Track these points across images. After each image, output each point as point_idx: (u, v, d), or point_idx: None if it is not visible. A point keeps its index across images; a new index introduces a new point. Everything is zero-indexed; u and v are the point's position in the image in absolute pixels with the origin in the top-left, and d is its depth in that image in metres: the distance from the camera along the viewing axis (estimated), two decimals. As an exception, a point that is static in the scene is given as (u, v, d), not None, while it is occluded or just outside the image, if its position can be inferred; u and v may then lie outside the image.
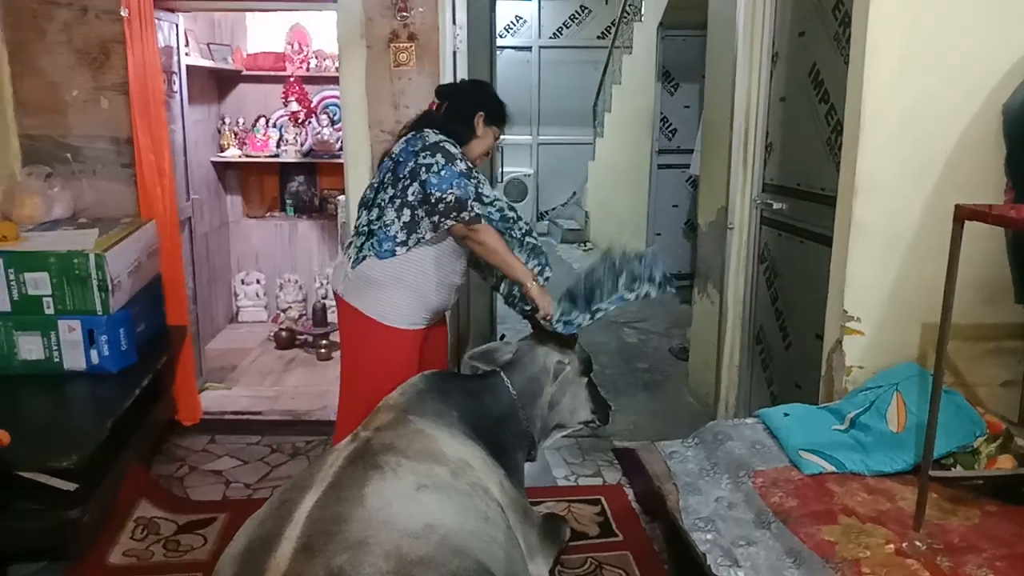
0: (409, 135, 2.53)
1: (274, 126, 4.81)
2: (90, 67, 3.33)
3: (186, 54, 3.87)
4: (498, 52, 5.08)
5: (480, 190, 2.48)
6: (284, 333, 4.56)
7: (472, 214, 2.40)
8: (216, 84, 4.77)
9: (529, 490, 2.48)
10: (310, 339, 4.51)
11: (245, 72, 4.76)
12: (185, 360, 3.45)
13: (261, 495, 2.94)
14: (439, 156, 2.40)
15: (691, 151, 6.13)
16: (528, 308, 2.60)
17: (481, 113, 2.57)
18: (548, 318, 2.49)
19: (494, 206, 2.55)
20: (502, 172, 8.63)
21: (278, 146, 4.74)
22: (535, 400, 2.47)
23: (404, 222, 2.43)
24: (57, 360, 2.88)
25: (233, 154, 4.71)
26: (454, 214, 2.38)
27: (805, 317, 2.95)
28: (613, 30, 8.30)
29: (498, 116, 2.64)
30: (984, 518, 2.05)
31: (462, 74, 3.29)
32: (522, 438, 2.43)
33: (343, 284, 2.55)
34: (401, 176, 2.43)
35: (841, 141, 2.58)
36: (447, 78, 3.28)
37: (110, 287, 2.86)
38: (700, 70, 4.14)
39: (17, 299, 2.83)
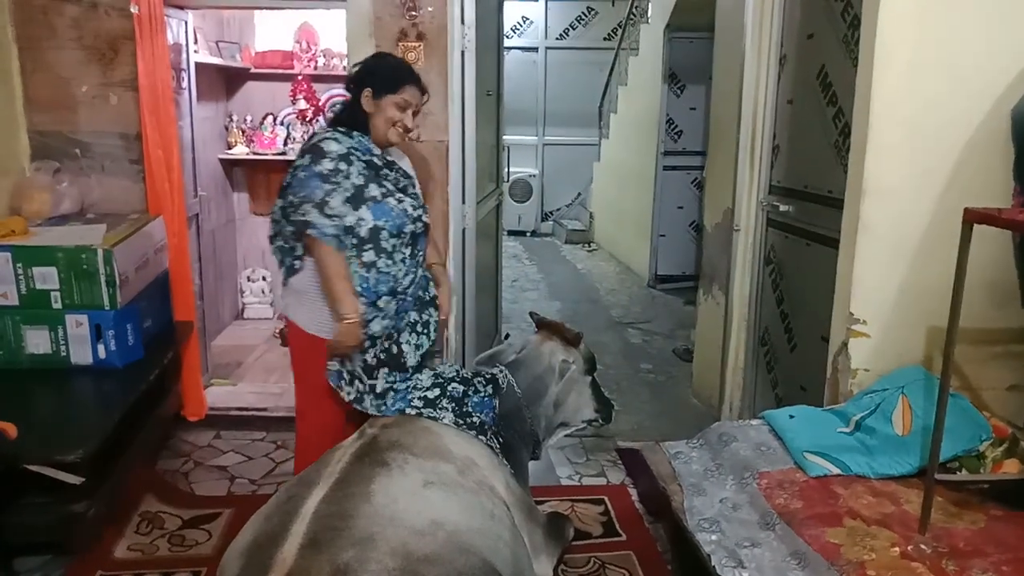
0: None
1: (281, 124, 4.82)
2: (99, 63, 3.34)
3: (195, 51, 3.88)
4: (505, 53, 5.09)
5: (329, 199, 2.19)
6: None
7: (303, 219, 2.19)
8: (224, 82, 4.78)
9: (533, 489, 2.48)
10: (315, 337, 4.51)
11: (253, 70, 4.76)
12: (191, 356, 3.46)
13: (266, 491, 2.95)
14: (307, 156, 2.24)
15: (697, 153, 6.14)
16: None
17: (367, 91, 2.32)
18: (337, 355, 2.27)
19: (333, 221, 2.19)
20: (508, 172, 8.66)
21: (285, 144, 4.75)
22: (540, 399, 2.48)
23: (290, 231, 2.29)
24: (64, 354, 2.88)
25: (240, 151, 4.71)
26: (292, 216, 2.22)
27: (811, 319, 2.95)
28: (620, 31, 8.31)
29: (387, 82, 2.32)
30: (990, 522, 2.05)
31: (470, 74, 3.30)
32: (527, 436, 2.43)
33: (282, 300, 2.43)
34: (283, 184, 2.30)
35: (849, 144, 2.58)
36: (455, 78, 3.29)
37: (118, 282, 2.86)
38: (707, 72, 4.14)
39: (25, 293, 2.83)
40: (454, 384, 2.32)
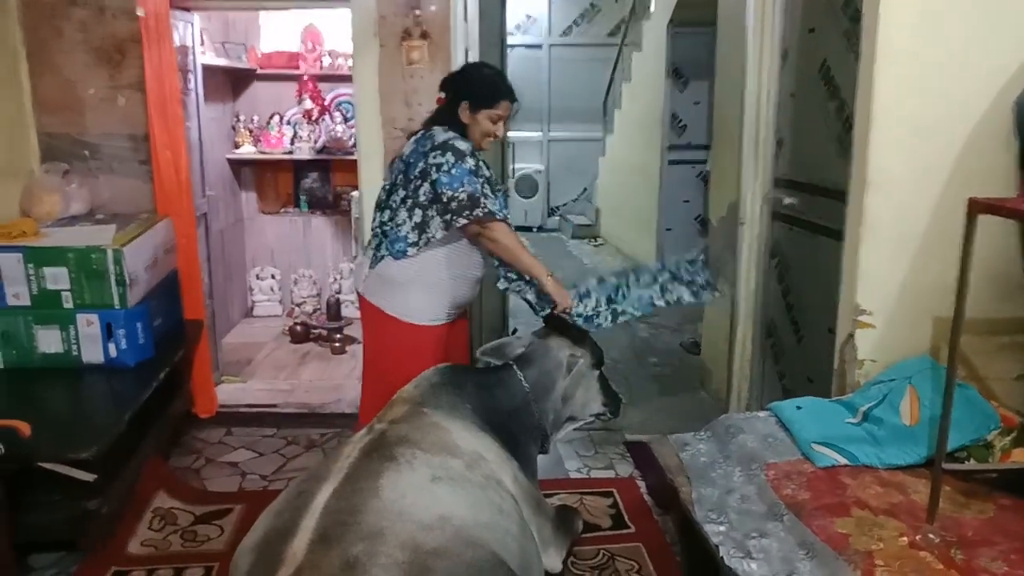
0: (419, 135, 2.55)
1: (288, 123, 4.85)
2: (107, 66, 3.37)
3: (201, 53, 3.91)
4: (509, 50, 5.10)
5: (487, 190, 2.44)
6: (299, 327, 4.60)
7: (484, 211, 2.40)
8: (231, 82, 4.81)
9: (542, 483, 2.50)
10: (324, 333, 4.55)
11: (259, 71, 4.80)
12: (201, 354, 3.49)
13: (277, 486, 2.98)
14: (449, 155, 2.40)
15: (701, 147, 6.13)
16: (537, 302, 2.60)
17: (464, 103, 2.51)
18: (568, 311, 2.52)
19: (499, 204, 2.50)
20: (513, 168, 8.66)
21: (292, 143, 4.78)
22: (548, 393, 2.49)
23: (415, 223, 2.46)
24: (76, 353, 2.92)
25: (248, 151, 4.75)
26: (467, 212, 2.39)
27: (817, 311, 2.96)
28: (623, 28, 8.30)
29: (484, 98, 2.52)
30: (998, 512, 2.05)
31: (474, 71, 3.30)
32: (535, 431, 2.45)
33: (364, 284, 2.59)
34: (412, 177, 2.45)
35: (851, 137, 2.58)
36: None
37: (127, 282, 2.89)
38: (710, 66, 4.14)
39: (36, 293, 2.87)
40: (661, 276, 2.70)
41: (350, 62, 3.68)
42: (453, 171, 2.38)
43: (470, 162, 2.41)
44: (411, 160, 2.48)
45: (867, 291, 2.55)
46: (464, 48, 3.29)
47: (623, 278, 2.67)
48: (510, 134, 4.93)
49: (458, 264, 2.55)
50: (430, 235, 2.45)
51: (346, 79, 4.49)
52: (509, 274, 2.62)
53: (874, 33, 2.40)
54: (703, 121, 6.14)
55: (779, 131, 3.29)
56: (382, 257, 2.52)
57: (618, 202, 8.16)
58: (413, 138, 2.57)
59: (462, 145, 2.43)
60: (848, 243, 2.59)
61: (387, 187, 2.57)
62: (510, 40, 6.97)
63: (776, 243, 3.34)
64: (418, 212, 2.45)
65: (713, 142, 4.02)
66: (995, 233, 2.43)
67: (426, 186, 2.42)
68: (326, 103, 4.83)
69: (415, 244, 2.47)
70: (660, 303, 2.56)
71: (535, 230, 9.21)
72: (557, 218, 9.44)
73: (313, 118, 4.78)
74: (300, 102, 4.78)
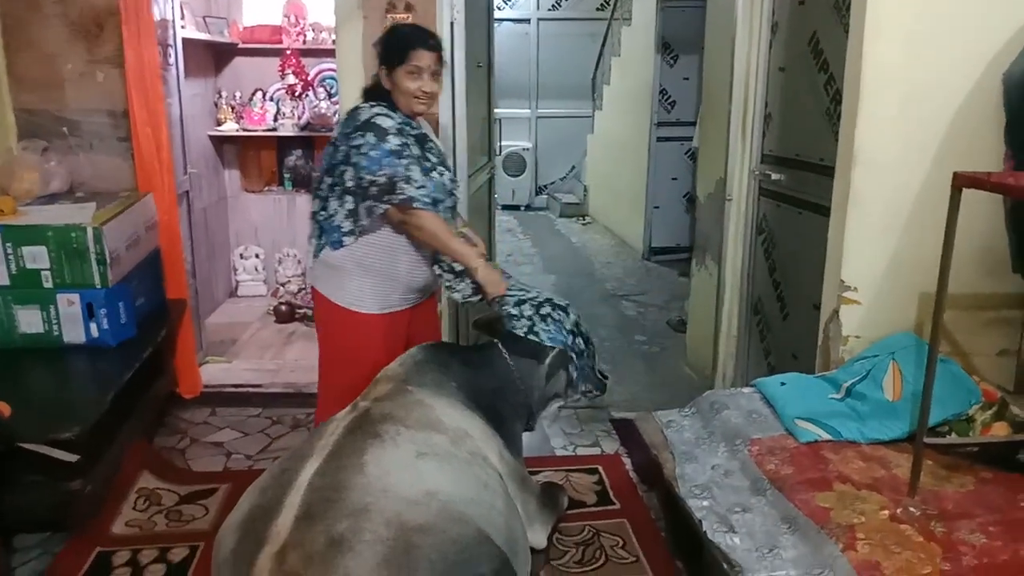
0: (346, 116, 2.40)
1: (271, 100, 4.78)
2: (85, 40, 3.30)
3: (182, 27, 3.84)
4: (496, 25, 5.04)
5: (410, 172, 2.25)
6: (283, 307, 4.57)
7: (403, 197, 2.24)
8: (212, 57, 4.74)
9: (528, 460, 2.50)
10: (309, 312, 4.52)
11: (241, 45, 4.72)
12: (185, 334, 3.47)
13: (262, 466, 2.97)
14: (370, 135, 2.25)
15: (691, 123, 6.11)
16: (466, 292, 2.42)
17: (382, 69, 2.34)
18: (498, 299, 2.36)
19: (426, 188, 2.28)
20: (500, 146, 8.61)
21: (275, 120, 4.72)
22: (533, 371, 2.48)
23: (348, 210, 2.32)
24: (57, 333, 2.89)
25: (230, 128, 4.68)
26: (386, 197, 2.24)
27: (803, 288, 2.96)
28: (612, 1, 8.22)
29: (394, 54, 2.31)
30: (979, 484, 2.07)
31: (460, 46, 3.26)
32: (520, 408, 2.44)
33: (311, 273, 2.48)
34: (336, 162, 2.31)
35: (840, 111, 2.57)
36: (445, 50, 3.24)
37: (108, 260, 2.86)
38: (700, 41, 4.11)
39: (15, 273, 2.83)
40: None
41: (334, 36, 3.62)
42: (372, 153, 2.23)
43: (393, 142, 2.24)
44: (338, 143, 2.33)
45: (853, 267, 2.55)
46: (450, 21, 3.24)
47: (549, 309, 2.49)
48: (497, 111, 4.91)
49: (407, 247, 2.39)
50: (362, 222, 2.32)
51: (330, 53, 4.43)
52: (442, 262, 2.42)
53: (863, 6, 2.38)
54: (692, 97, 6.11)
55: (767, 106, 3.28)
56: (322, 247, 2.39)
57: (607, 180, 8.13)
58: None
59: (386, 123, 2.27)
60: (834, 219, 2.59)
61: (320, 173, 2.42)
62: (497, 14, 6.91)
63: (763, 219, 3.34)
64: (348, 199, 2.31)
65: (701, 117, 4.00)
66: (981, 209, 2.44)
67: (350, 171, 2.28)
68: (309, 78, 4.77)
69: (350, 233, 2.33)
70: (570, 351, 2.43)
71: (523, 209, 9.18)
72: (545, 197, 9.41)
73: (296, 94, 4.72)
74: (283, 77, 4.72)
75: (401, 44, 2.32)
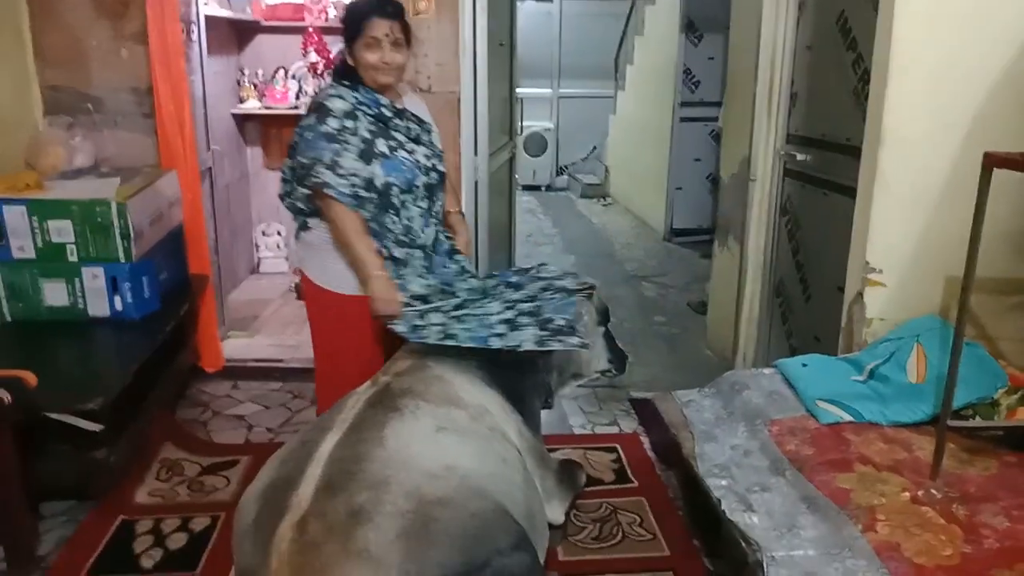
0: None
1: (293, 78, 4.77)
2: (109, 17, 3.32)
3: (204, 4, 3.83)
4: (519, 3, 5.00)
5: (339, 158, 2.17)
6: (305, 285, 4.60)
7: (316, 180, 2.17)
8: (235, 35, 4.74)
9: (546, 438, 2.50)
10: (330, 291, 4.54)
11: (264, 23, 4.71)
12: (207, 308, 3.50)
13: (283, 439, 2.99)
14: (313, 116, 2.21)
15: (715, 104, 6.04)
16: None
17: (343, 46, 2.28)
18: (386, 319, 2.20)
19: (348, 180, 2.18)
20: (522, 126, 8.56)
21: (297, 98, 4.71)
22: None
23: (303, 193, 2.29)
24: (82, 307, 2.92)
25: (253, 106, 4.68)
26: (304, 180, 2.21)
27: (827, 269, 2.93)
28: (636, -20, 8.13)
29: (350, 28, 2.24)
30: (1002, 468, 2.05)
31: (482, 23, 3.24)
32: (539, 387, 2.44)
33: (295, 254, 2.47)
34: (292, 144, 2.29)
35: (868, 91, 2.52)
36: (466, 28, 3.24)
37: (132, 235, 2.88)
38: (725, 20, 4.05)
39: (41, 246, 2.86)
40: (521, 304, 2.29)
41: (356, 13, 3.60)
42: (307, 135, 2.20)
43: (331, 124, 2.18)
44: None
45: (878, 249, 2.52)
46: (472, -1, 3.22)
47: (476, 294, 2.37)
48: (519, 90, 4.88)
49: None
50: (312, 205, 2.28)
51: (352, 31, 4.41)
52: None
53: (893, -18, 2.34)
54: (717, 77, 6.04)
55: (794, 85, 3.23)
56: (298, 229, 2.37)
57: (628, 161, 8.07)
58: None
59: (335, 104, 2.20)
60: (860, 200, 2.55)
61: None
62: (520, -6, 6.85)
63: (787, 200, 3.30)
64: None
65: (726, 97, 3.95)
66: (1012, 190, 2.39)
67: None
68: (332, 56, 4.75)
69: (313, 214, 2.30)
70: (496, 344, 2.12)
71: (543, 189, 9.15)
72: (566, 177, 9.37)
73: (318, 72, 4.71)
74: (305, 55, 4.70)
75: (355, 16, 2.23)
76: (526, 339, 2.15)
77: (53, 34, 3.33)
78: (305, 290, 2.44)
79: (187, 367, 3.41)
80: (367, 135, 2.23)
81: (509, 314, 2.24)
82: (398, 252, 2.28)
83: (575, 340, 2.20)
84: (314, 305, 2.43)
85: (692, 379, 3.41)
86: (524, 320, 2.21)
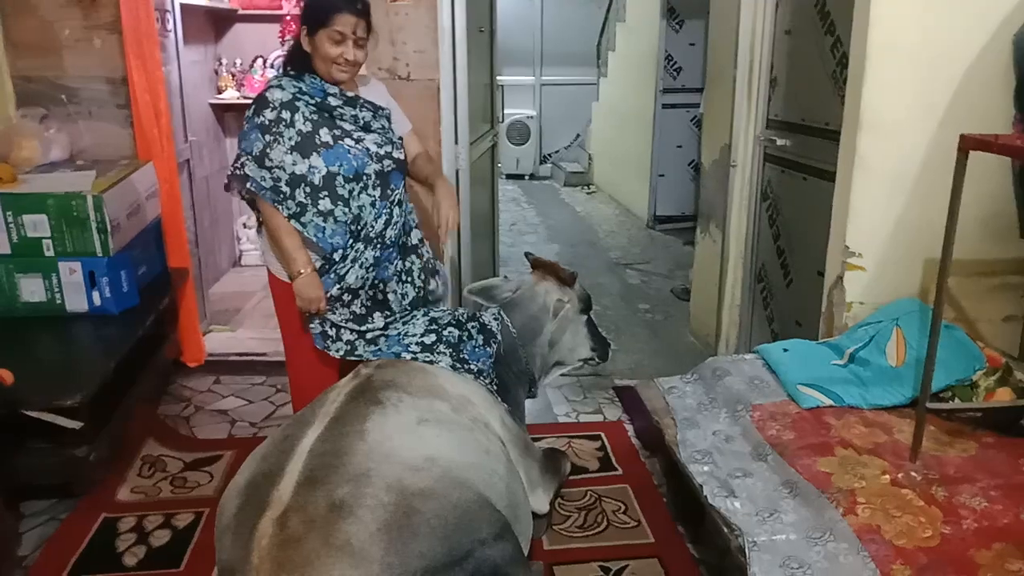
0: None
1: (271, 67, 4.72)
2: (80, 5, 3.26)
3: (179, -8, 3.79)
4: (499, -12, 4.96)
5: (269, 151, 2.14)
6: (287, 276, 4.57)
7: (239, 173, 2.17)
8: (212, 24, 4.68)
9: (530, 427, 2.51)
10: (313, 282, 4.52)
11: (241, 11, 4.66)
12: (188, 302, 3.46)
13: (266, 433, 2.98)
14: (254, 106, 2.19)
15: (697, 90, 6.03)
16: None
17: (303, 28, 2.21)
18: (307, 315, 2.27)
19: (272, 173, 2.16)
20: (503, 114, 8.53)
21: (276, 87, 4.67)
22: (535, 338, 2.48)
23: None
24: (59, 302, 2.89)
25: (231, 96, 4.64)
26: (235, 171, 2.19)
27: (807, 254, 2.94)
28: (617, -34, 8.08)
29: (316, 16, 2.17)
30: (981, 450, 2.07)
31: (460, 10, 3.21)
32: (522, 376, 2.45)
33: (261, 252, 2.44)
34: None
35: (846, 75, 2.52)
36: (445, 13, 3.20)
37: (109, 229, 2.85)
38: (706, 6, 4.03)
39: (17, 241, 2.82)
40: (450, 329, 2.29)
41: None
42: (245, 126, 2.18)
43: (267, 115, 2.15)
44: None
45: (858, 233, 2.53)
46: (450, -15, 3.19)
47: (405, 305, 2.37)
48: (501, 78, 4.85)
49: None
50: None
51: (330, 20, 4.37)
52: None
53: (870, -35, 2.33)
54: (698, 64, 6.03)
55: (773, 70, 3.23)
56: (258, 222, 2.35)
57: (611, 148, 8.06)
58: None
59: (274, 94, 2.17)
60: (840, 184, 2.56)
61: None
62: (500, -20, 6.80)
63: (768, 186, 3.31)
64: None
65: (707, 82, 3.94)
66: (989, 173, 2.41)
67: None
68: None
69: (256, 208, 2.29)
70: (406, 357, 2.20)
71: (527, 178, 9.12)
72: (549, 165, 9.35)
73: (297, 61, 4.66)
74: (284, 44, 4.66)
75: (325, 5, 2.16)
76: (438, 362, 2.16)
77: (24, 22, 3.26)
78: (272, 286, 2.42)
79: (168, 362, 3.39)
80: (306, 127, 2.18)
81: (429, 339, 2.23)
82: (343, 244, 2.23)
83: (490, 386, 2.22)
84: (276, 296, 2.41)
85: (676, 365, 3.43)
86: (441, 348, 2.20)
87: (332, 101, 2.24)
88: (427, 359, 2.18)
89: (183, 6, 3.81)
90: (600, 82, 8.46)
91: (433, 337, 2.25)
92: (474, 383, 2.19)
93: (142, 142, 3.29)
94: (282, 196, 2.17)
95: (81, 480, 2.50)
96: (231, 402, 3.31)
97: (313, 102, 2.21)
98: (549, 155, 9.42)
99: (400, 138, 2.40)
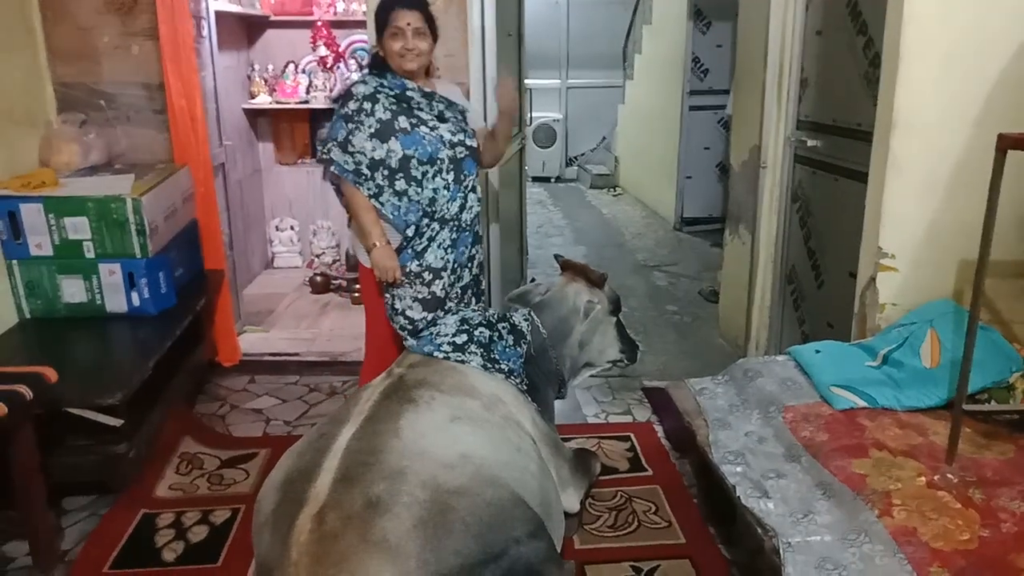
0: None
1: (303, 72, 4.80)
2: (118, 13, 3.34)
3: (214, -1, 3.86)
4: (526, -8, 4.98)
5: (352, 137, 2.38)
6: (319, 278, 4.62)
7: (324, 157, 2.41)
8: (245, 30, 4.76)
9: (560, 427, 2.52)
10: (344, 284, 4.57)
11: (273, 17, 4.73)
12: (223, 303, 3.52)
13: (300, 432, 3.03)
14: (339, 100, 2.45)
15: (724, 92, 6.01)
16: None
17: (377, 37, 2.50)
18: (387, 285, 2.46)
19: (354, 157, 2.39)
20: (531, 117, 8.55)
21: (308, 92, 4.74)
22: (565, 339, 2.50)
23: None
24: (100, 303, 2.96)
25: (263, 101, 4.71)
26: (320, 157, 2.43)
27: (839, 255, 2.92)
28: (644, -32, 8.07)
29: (378, 22, 2.47)
30: (1019, 452, 2.05)
31: (490, 13, 3.24)
32: (552, 376, 2.46)
33: (350, 243, 2.63)
34: None
35: (879, 75, 2.51)
36: (475, 17, 3.23)
37: (148, 231, 2.91)
38: (733, 7, 4.02)
39: (58, 243, 2.90)
40: (481, 329, 2.33)
41: (364, 7, 3.62)
42: (334, 116, 2.43)
43: (350, 106, 2.40)
44: None
45: (891, 234, 2.51)
46: (480, -11, 3.21)
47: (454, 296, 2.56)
48: (527, 81, 4.87)
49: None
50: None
51: (361, 24, 4.42)
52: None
53: (903, -35, 2.32)
54: (726, 65, 6.01)
55: (804, 71, 3.21)
56: (349, 217, 2.55)
57: (638, 150, 8.05)
58: None
59: (357, 88, 2.43)
60: (872, 185, 2.54)
61: None
62: (527, -17, 6.82)
63: (798, 187, 3.29)
64: None
65: (735, 84, 3.93)
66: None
67: None
68: (341, 50, 4.77)
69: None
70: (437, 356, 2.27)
71: (553, 180, 9.13)
72: (575, 168, 9.35)
73: (328, 66, 4.73)
74: (315, 49, 4.72)
75: (380, 11, 2.46)
76: (470, 362, 2.22)
77: (64, 30, 3.35)
78: (359, 272, 2.62)
79: (204, 362, 3.45)
80: (386, 115, 2.40)
81: (460, 339, 2.27)
82: (420, 223, 2.44)
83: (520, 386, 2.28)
84: (363, 284, 2.63)
85: (704, 367, 3.43)
86: (472, 348, 2.26)
87: (410, 94, 2.45)
88: (458, 359, 2.21)
89: (217, 13, 3.88)
90: (626, 84, 8.45)
91: (464, 337, 2.28)
92: (505, 383, 2.21)
93: (178, 146, 3.36)
94: (363, 178, 2.40)
95: (120, 477, 2.55)
96: (265, 401, 3.36)
97: (393, 94, 2.44)
98: (575, 158, 9.42)
99: (473, 130, 2.59)
